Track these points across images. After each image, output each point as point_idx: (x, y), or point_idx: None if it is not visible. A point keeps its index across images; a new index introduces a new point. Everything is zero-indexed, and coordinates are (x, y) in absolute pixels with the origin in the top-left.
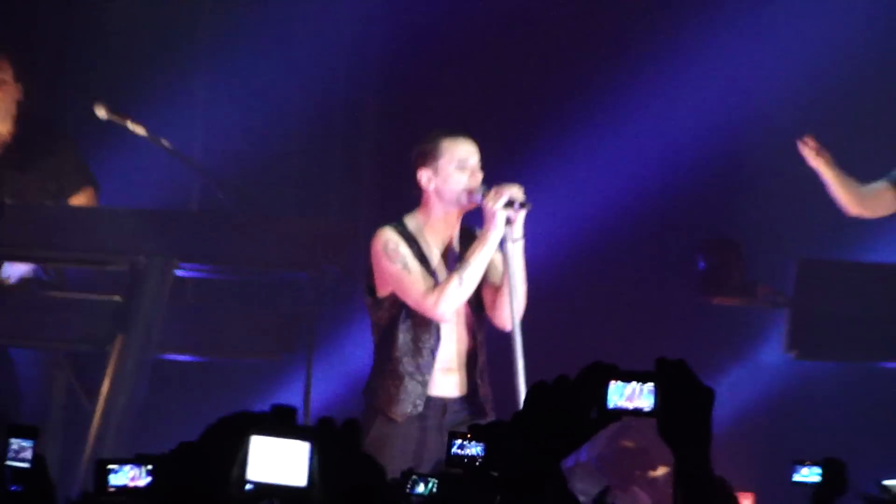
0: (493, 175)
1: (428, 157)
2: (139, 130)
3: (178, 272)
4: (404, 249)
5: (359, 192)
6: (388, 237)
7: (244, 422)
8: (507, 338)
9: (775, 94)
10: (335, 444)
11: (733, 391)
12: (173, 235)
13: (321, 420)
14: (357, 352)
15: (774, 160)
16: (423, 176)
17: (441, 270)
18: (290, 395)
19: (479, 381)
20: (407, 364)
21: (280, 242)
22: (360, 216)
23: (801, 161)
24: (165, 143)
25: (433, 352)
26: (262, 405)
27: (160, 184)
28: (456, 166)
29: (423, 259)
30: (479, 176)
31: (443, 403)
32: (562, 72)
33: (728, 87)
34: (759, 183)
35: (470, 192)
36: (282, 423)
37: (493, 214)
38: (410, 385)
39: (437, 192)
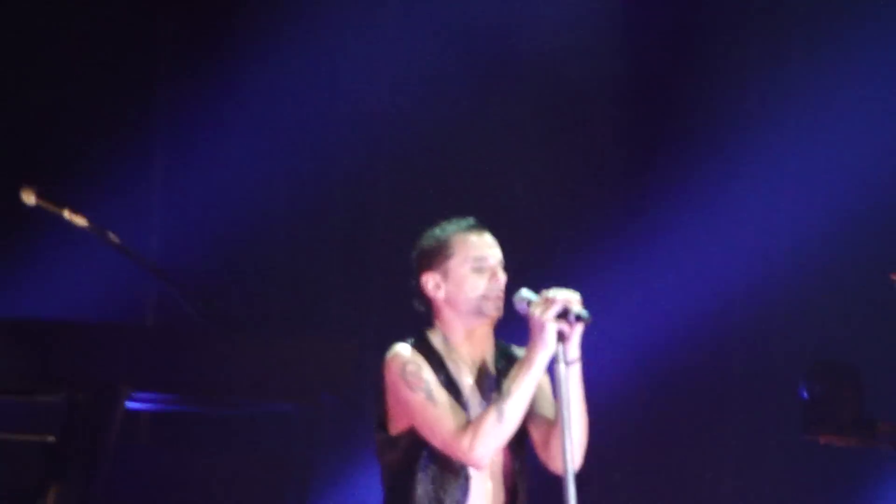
0: (538, 281)
1: (435, 256)
2: (79, 221)
3: (130, 404)
4: (428, 375)
5: (363, 302)
6: (408, 358)
7: None
8: (556, 484)
9: None
10: None
11: None
12: (123, 356)
13: None
14: (362, 500)
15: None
16: (430, 282)
17: (474, 402)
18: None
19: None
20: None
21: (261, 366)
22: (365, 333)
23: None
24: (113, 237)
25: (461, 502)
26: None
27: (106, 290)
28: (472, 266)
29: (451, 387)
30: (503, 278)
31: None
32: (626, 148)
33: (852, 168)
34: (879, 295)
35: (487, 300)
36: None
37: (542, 328)
38: None
39: (450, 302)
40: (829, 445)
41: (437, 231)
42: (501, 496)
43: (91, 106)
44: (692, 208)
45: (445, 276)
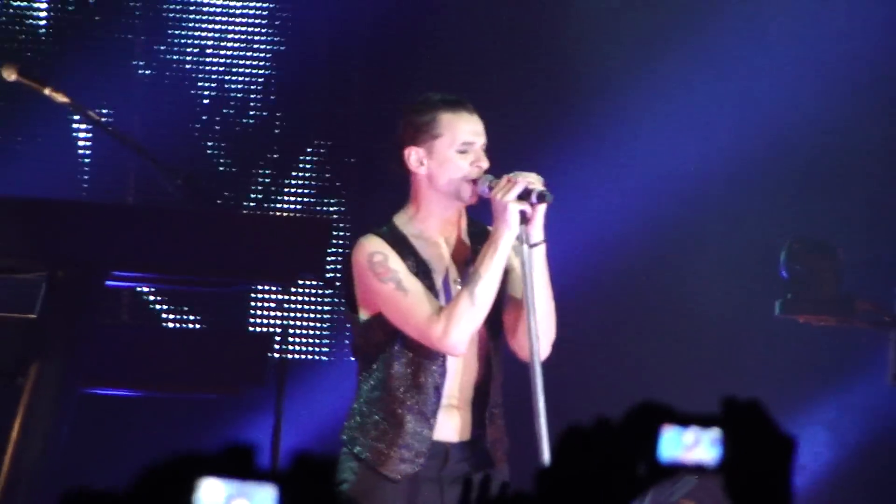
0: (502, 166)
1: (421, 132)
2: (60, 98)
3: (110, 283)
4: (396, 263)
5: (338, 181)
6: (375, 248)
7: (190, 465)
8: (523, 369)
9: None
10: (309, 488)
11: (822, 436)
12: (103, 235)
13: (296, 458)
14: (342, 383)
15: (877, 143)
16: (412, 156)
17: (448, 284)
18: (257, 439)
19: (487, 422)
20: (407, 406)
21: (240, 244)
22: (340, 210)
23: None
24: (94, 115)
25: (439, 388)
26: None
27: (86, 168)
28: (458, 148)
29: (422, 272)
30: (485, 163)
31: (444, 449)
32: (592, 40)
33: (833, 39)
34: (858, 172)
35: (473, 183)
36: (240, 465)
37: (505, 209)
38: (412, 435)
39: (430, 179)
40: (807, 325)
41: (427, 105)
42: (475, 369)
43: None
44: (664, 85)
45: (430, 153)
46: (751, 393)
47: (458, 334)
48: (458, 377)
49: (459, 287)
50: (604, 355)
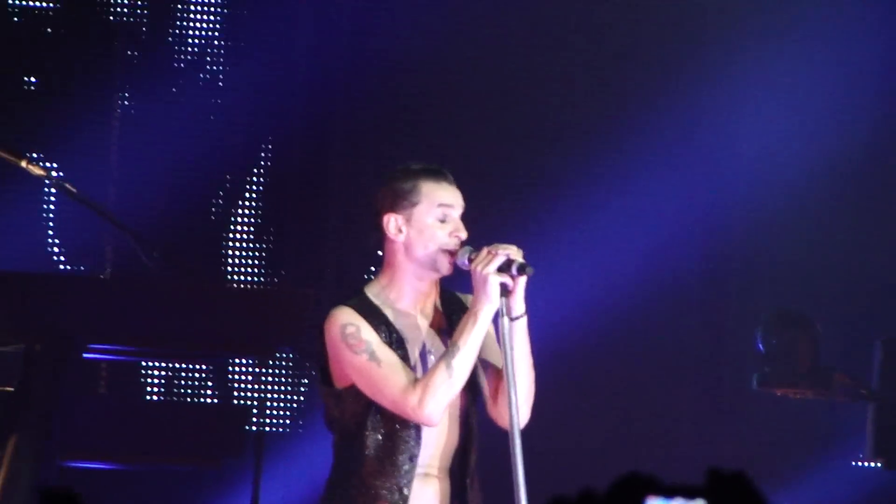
0: (481, 237)
1: (401, 199)
2: (36, 171)
3: (88, 355)
4: (369, 334)
5: (319, 253)
6: (347, 320)
7: None
8: (503, 438)
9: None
10: None
11: None
12: (81, 308)
13: None
14: (318, 454)
15: (857, 215)
16: (391, 223)
17: (423, 355)
18: None
19: (468, 491)
20: (381, 477)
21: (219, 318)
22: (323, 282)
23: (886, 219)
24: (70, 187)
25: (413, 459)
26: None
27: (63, 241)
28: (437, 216)
29: (396, 342)
30: (463, 234)
31: None
32: (568, 112)
33: (794, 123)
34: (832, 248)
35: (451, 254)
36: None
37: (485, 281)
38: None
39: (408, 248)
40: (785, 398)
41: (407, 173)
42: (455, 435)
43: (49, 56)
44: (641, 162)
45: (408, 221)
46: (731, 464)
47: (434, 406)
48: (437, 446)
49: (433, 357)
50: (585, 425)
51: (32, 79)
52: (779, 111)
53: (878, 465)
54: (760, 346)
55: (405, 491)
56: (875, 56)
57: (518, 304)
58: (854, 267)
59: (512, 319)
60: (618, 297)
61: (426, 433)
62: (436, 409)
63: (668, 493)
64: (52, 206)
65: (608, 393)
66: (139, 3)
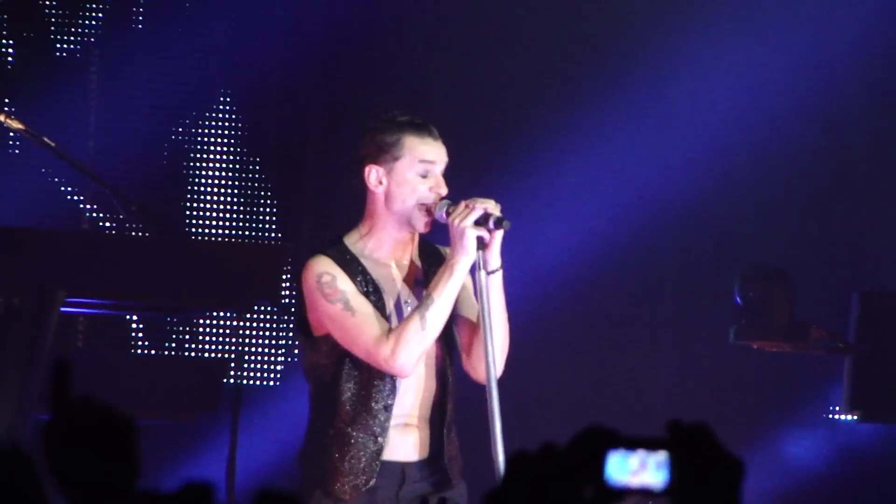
0: (458, 192)
1: (383, 152)
2: (14, 125)
3: (65, 309)
4: (344, 284)
5: (297, 206)
6: (323, 269)
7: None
8: (480, 391)
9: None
10: None
11: (774, 463)
12: (59, 262)
13: (260, 492)
14: (296, 408)
15: (832, 169)
16: (372, 174)
17: (399, 306)
18: (210, 466)
19: (445, 440)
20: (356, 425)
21: (196, 271)
22: (300, 236)
23: (867, 173)
24: (48, 141)
25: (388, 408)
26: (174, 480)
27: (41, 195)
28: (418, 171)
29: (373, 291)
30: (444, 190)
31: (400, 469)
32: (546, 66)
33: (778, 78)
34: (810, 198)
35: (427, 209)
36: (198, 502)
37: (462, 234)
38: (360, 452)
39: (388, 199)
40: (761, 351)
41: (392, 125)
42: (432, 387)
43: (25, 11)
44: (617, 117)
45: (389, 173)
46: (706, 418)
47: (406, 356)
48: (415, 396)
49: (409, 308)
50: (557, 378)
51: (10, 33)
52: (752, 66)
53: (854, 418)
54: (738, 299)
55: (380, 439)
56: (852, 13)
57: (494, 257)
58: (831, 220)
59: (488, 273)
60: (592, 252)
61: (401, 384)
62: (408, 360)
63: (631, 445)
64: (30, 161)
65: (582, 347)
66: None
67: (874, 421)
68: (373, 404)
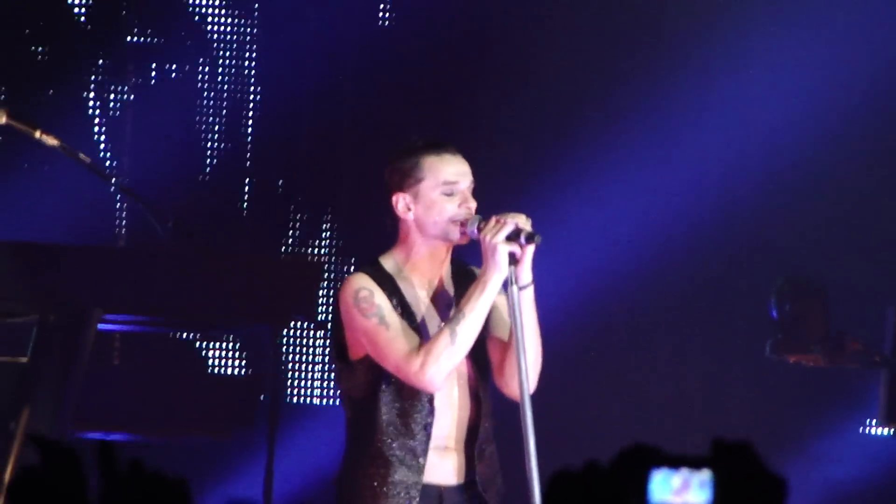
0: (489, 207)
1: (406, 178)
2: (51, 141)
3: (102, 326)
4: (381, 300)
5: (329, 223)
6: (360, 285)
7: None
8: (514, 409)
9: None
10: None
11: (813, 479)
12: (95, 279)
13: None
14: (332, 426)
15: (867, 182)
16: (400, 202)
17: (430, 324)
18: (247, 482)
19: (476, 460)
20: (395, 446)
21: (232, 287)
22: (332, 253)
23: None
24: (84, 158)
25: (427, 428)
26: (211, 498)
27: (77, 212)
28: (442, 191)
29: (405, 311)
30: (473, 204)
31: (438, 493)
32: (580, 78)
33: (816, 86)
34: (844, 214)
35: (461, 224)
36: None
37: (494, 250)
38: (401, 473)
39: (419, 224)
40: (798, 365)
41: (410, 151)
42: (467, 409)
43: (63, 25)
44: (657, 123)
45: (416, 198)
46: (742, 433)
47: (436, 370)
48: (451, 418)
49: (440, 327)
50: (595, 393)
51: (46, 49)
52: (788, 78)
53: (891, 431)
54: (773, 313)
55: (421, 459)
56: (879, 26)
57: (526, 272)
58: (866, 233)
59: (520, 288)
60: (627, 266)
61: (439, 405)
62: (437, 374)
63: (674, 463)
64: (65, 177)
65: (618, 362)
66: None
67: None
68: (413, 425)
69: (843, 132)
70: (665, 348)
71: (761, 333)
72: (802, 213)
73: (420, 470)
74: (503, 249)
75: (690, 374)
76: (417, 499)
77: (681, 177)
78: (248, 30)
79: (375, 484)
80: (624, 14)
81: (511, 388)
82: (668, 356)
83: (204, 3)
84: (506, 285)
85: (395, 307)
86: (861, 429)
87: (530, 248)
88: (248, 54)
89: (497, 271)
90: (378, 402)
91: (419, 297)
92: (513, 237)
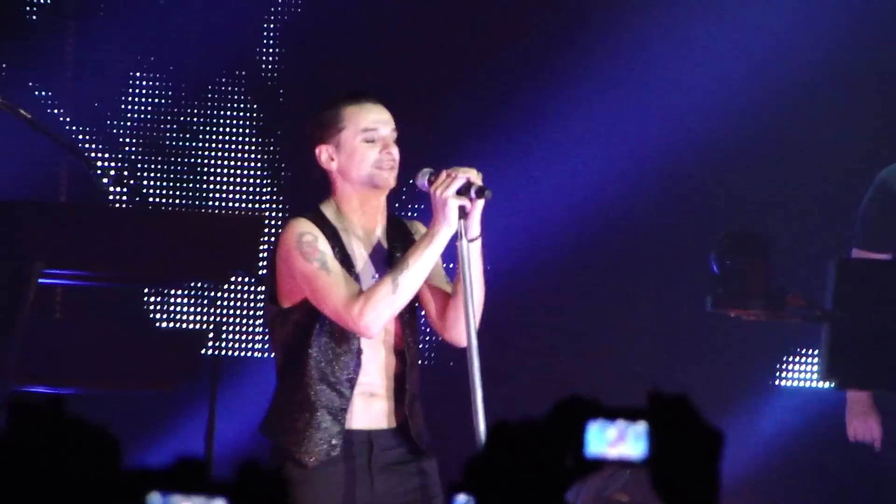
0: (438, 160)
1: (327, 128)
2: None
3: (43, 280)
4: (324, 245)
5: (268, 177)
6: (304, 229)
7: (139, 479)
8: (461, 356)
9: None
10: (260, 501)
11: (751, 431)
12: (36, 233)
13: (243, 466)
14: (273, 379)
15: (806, 133)
16: (323, 154)
17: (365, 274)
18: (190, 436)
19: (407, 412)
20: (320, 392)
21: (173, 242)
22: (270, 206)
23: (840, 135)
24: (24, 112)
25: (351, 381)
26: (159, 454)
27: (17, 167)
28: (363, 137)
29: (344, 259)
30: (395, 150)
31: (367, 437)
32: (533, 34)
33: (751, 40)
34: (786, 166)
35: (378, 170)
36: (191, 480)
37: (444, 204)
38: (324, 419)
39: (343, 173)
40: (738, 320)
41: (331, 102)
42: (394, 364)
43: None
44: (598, 78)
45: (338, 147)
46: (682, 386)
47: (374, 317)
48: (378, 367)
49: (374, 279)
50: (536, 347)
51: None
52: (732, 40)
53: (831, 385)
54: (714, 268)
55: (344, 408)
56: None
57: (475, 226)
58: (808, 189)
59: (469, 241)
60: (572, 222)
61: (369, 355)
62: (375, 321)
63: (610, 415)
64: (6, 133)
65: (559, 316)
66: None
67: (850, 388)
68: (339, 374)
69: (787, 88)
70: (609, 302)
71: (704, 288)
72: (744, 170)
73: (343, 417)
74: (453, 203)
75: (635, 328)
76: (340, 445)
77: (624, 136)
78: None
79: (300, 430)
80: None
81: (453, 334)
82: (614, 310)
83: None
84: (455, 238)
85: (336, 255)
86: (802, 382)
87: (480, 203)
88: (188, 7)
89: (446, 225)
90: (308, 349)
91: (356, 246)
92: (463, 191)
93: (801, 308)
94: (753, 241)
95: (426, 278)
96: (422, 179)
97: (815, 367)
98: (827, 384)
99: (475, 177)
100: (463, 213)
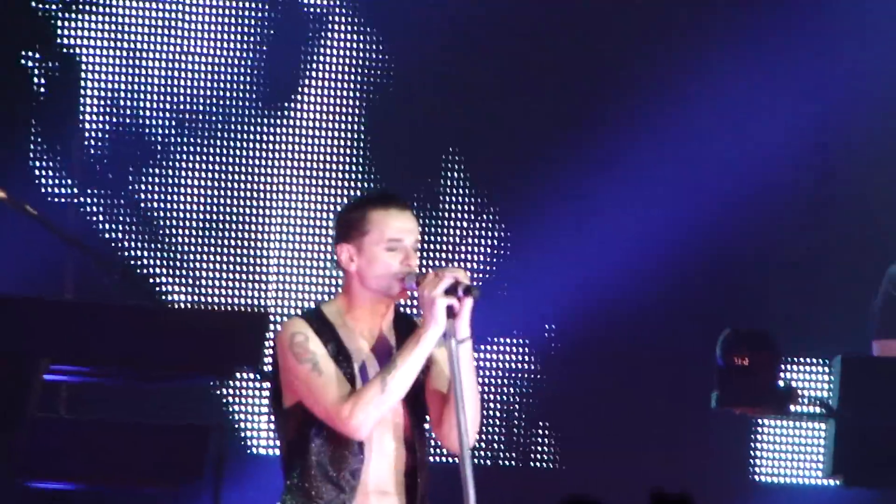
0: (432, 259)
1: (351, 229)
2: None
3: (48, 377)
4: (316, 346)
5: (274, 274)
6: (296, 329)
7: None
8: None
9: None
10: None
11: None
12: (41, 330)
13: None
14: (278, 476)
15: (815, 234)
16: (344, 253)
17: (368, 373)
18: None
19: None
20: (324, 490)
21: (179, 339)
22: (279, 305)
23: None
24: (30, 209)
25: (356, 474)
26: None
27: (23, 263)
28: (386, 246)
29: (344, 358)
30: (415, 261)
31: None
32: (567, 103)
33: (769, 138)
34: (794, 265)
35: (401, 280)
36: None
37: (432, 304)
38: None
39: (360, 276)
40: (744, 417)
41: (359, 203)
42: (403, 456)
43: (9, 76)
44: (601, 174)
45: (359, 250)
46: (686, 483)
47: (363, 417)
48: (388, 464)
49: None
50: (533, 449)
51: None
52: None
53: (837, 482)
54: (720, 362)
55: (346, 502)
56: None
57: (464, 326)
58: (812, 285)
59: (458, 342)
60: (576, 318)
61: (369, 452)
62: (364, 422)
63: None
64: (13, 229)
65: (564, 409)
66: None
67: (858, 485)
68: (342, 471)
69: (793, 183)
70: (611, 399)
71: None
72: (753, 268)
73: None
74: (441, 303)
75: (631, 428)
76: None
77: (627, 231)
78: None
79: None
80: (623, 21)
81: (450, 441)
82: (613, 408)
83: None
84: (445, 339)
85: (332, 354)
86: (808, 480)
87: (468, 302)
88: (185, 107)
89: (434, 324)
90: (309, 446)
91: (359, 345)
92: (451, 291)
93: (807, 406)
94: (760, 338)
95: (425, 380)
96: (409, 282)
97: (821, 465)
98: (833, 482)
99: (463, 276)
100: (451, 313)
